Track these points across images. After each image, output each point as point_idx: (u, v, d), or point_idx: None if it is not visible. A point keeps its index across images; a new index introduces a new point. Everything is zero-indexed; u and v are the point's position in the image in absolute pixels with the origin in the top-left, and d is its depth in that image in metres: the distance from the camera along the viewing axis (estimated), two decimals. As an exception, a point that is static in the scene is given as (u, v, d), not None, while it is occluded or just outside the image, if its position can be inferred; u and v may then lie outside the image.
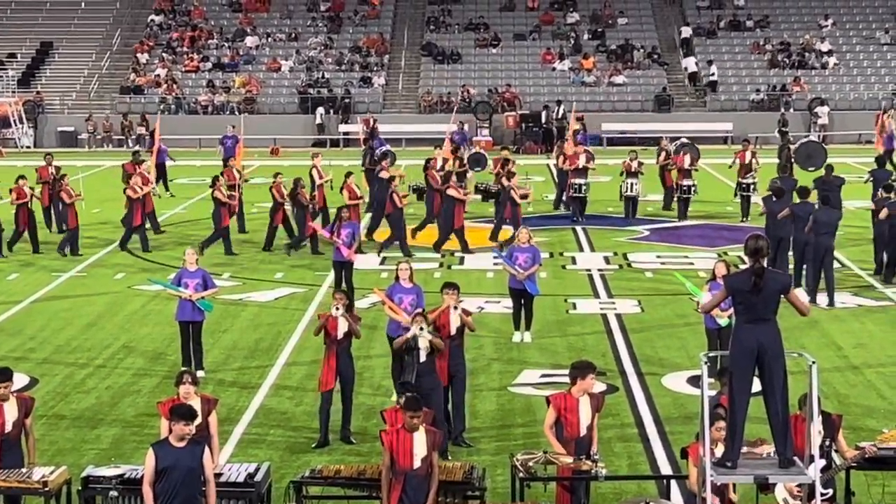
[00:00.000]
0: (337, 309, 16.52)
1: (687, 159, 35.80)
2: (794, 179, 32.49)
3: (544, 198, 36.30)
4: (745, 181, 35.06)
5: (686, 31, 64.44)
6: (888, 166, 37.82)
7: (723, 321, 18.44)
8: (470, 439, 16.59)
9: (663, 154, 37.00)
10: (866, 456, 13.20)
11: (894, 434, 13.87)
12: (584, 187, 34.90)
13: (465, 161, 37.57)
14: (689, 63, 62.76)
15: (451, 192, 30.00)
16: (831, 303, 24.29)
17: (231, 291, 26.44)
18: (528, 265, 21.39)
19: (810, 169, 38.14)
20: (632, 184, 35.12)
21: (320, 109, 60.17)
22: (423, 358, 15.95)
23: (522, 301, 21.85)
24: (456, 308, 16.66)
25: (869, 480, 13.87)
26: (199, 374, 19.17)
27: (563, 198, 36.47)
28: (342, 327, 16.60)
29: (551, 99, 59.72)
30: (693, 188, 35.51)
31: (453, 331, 16.62)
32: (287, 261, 29.37)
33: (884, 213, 26.04)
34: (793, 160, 40.31)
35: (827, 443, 12.83)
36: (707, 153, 44.90)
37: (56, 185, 32.06)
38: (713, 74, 61.51)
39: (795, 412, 11.97)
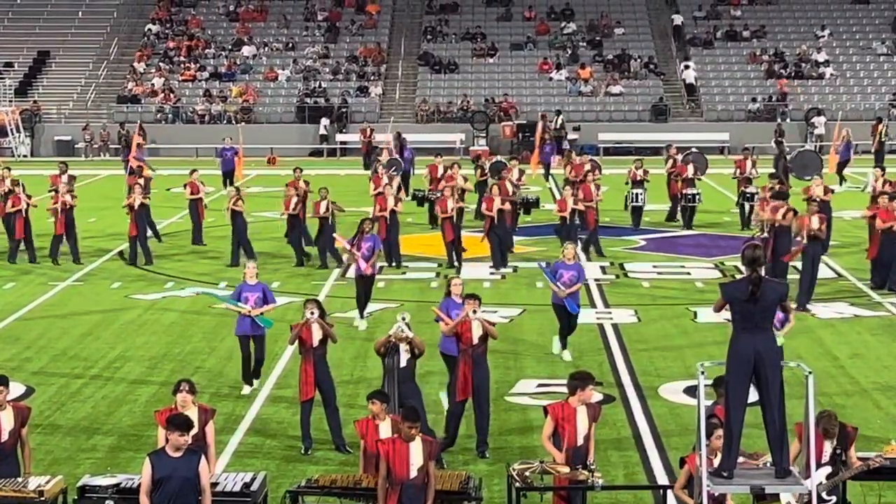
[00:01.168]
0: (312, 314, 16.56)
1: (691, 168, 35.79)
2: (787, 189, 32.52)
3: (543, 207, 36.20)
4: (747, 191, 34.93)
5: (678, 19, 64.48)
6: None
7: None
8: (465, 449, 16.56)
9: (671, 162, 36.92)
10: (871, 467, 13.16)
11: None
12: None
13: (487, 170, 37.26)
14: (688, 74, 62.87)
15: (436, 206, 30.09)
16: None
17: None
18: (572, 283, 20.86)
19: (806, 178, 38.15)
20: (637, 194, 34.98)
21: (324, 120, 60.14)
22: (403, 363, 15.98)
23: (568, 316, 21.26)
24: (475, 312, 16.56)
25: (865, 490, 13.86)
26: (246, 390, 19.38)
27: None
28: (317, 335, 16.63)
29: (548, 108, 59.75)
30: (698, 196, 35.47)
31: (475, 340, 16.54)
32: (284, 270, 29.31)
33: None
34: (789, 169, 40.37)
35: (838, 451, 12.82)
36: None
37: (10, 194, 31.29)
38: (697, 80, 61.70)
39: (799, 421, 11.94)
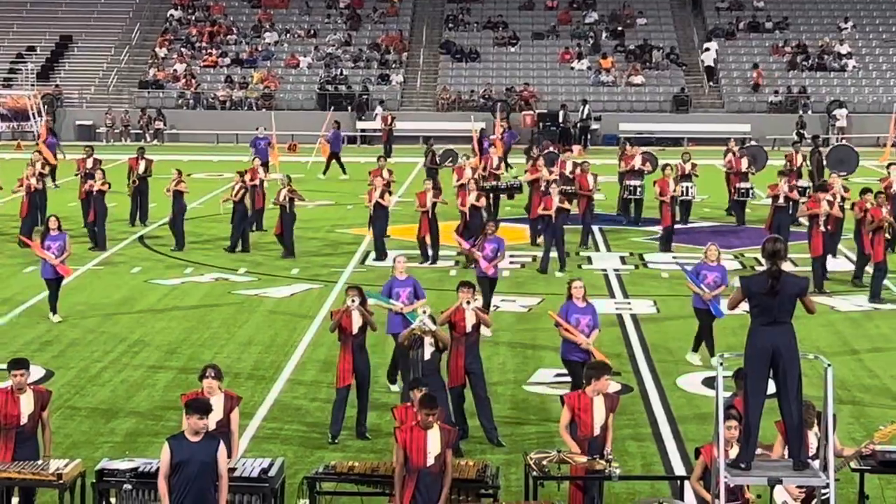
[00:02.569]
0: (353, 301, 16.54)
1: (745, 162, 35.27)
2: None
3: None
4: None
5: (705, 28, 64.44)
6: None
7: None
8: (483, 438, 16.57)
9: (729, 155, 36.29)
10: (863, 455, 13.16)
11: (893, 430, 13.58)
12: (639, 189, 34.32)
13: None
14: (707, 56, 62.69)
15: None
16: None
17: (247, 286, 26.53)
18: (715, 285, 20.02)
19: (842, 174, 37.49)
20: (687, 187, 34.04)
21: (379, 108, 60.14)
22: (427, 356, 15.97)
23: (709, 320, 20.33)
24: (469, 303, 16.62)
25: (883, 484, 13.85)
26: (395, 387, 18.76)
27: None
28: (357, 322, 16.63)
29: (569, 99, 59.71)
30: (750, 191, 34.77)
31: (469, 328, 16.60)
32: (303, 257, 29.33)
33: None
34: (824, 165, 39.87)
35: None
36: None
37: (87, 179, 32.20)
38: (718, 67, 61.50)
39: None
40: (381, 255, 28.83)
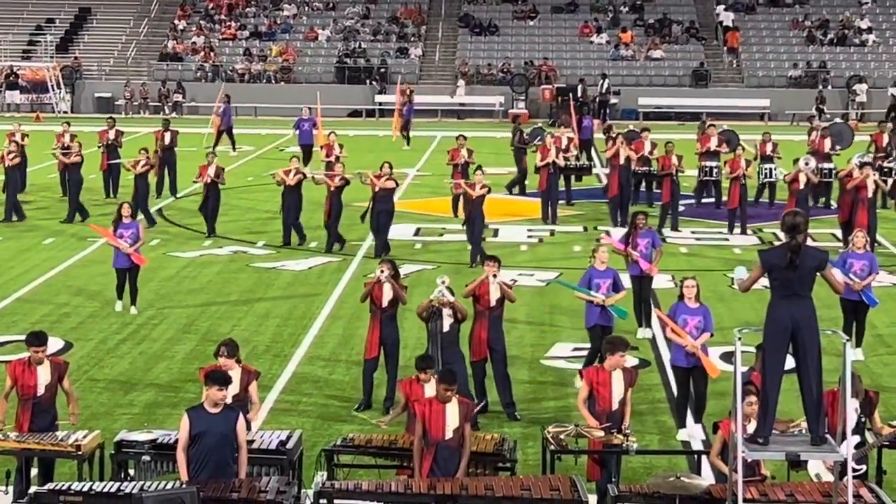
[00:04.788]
0: (382, 272, 16.58)
1: (827, 143, 34.02)
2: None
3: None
4: (886, 165, 33.10)
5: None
6: None
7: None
8: (502, 413, 16.59)
9: (814, 133, 35.00)
10: (900, 437, 13.15)
11: None
12: (715, 170, 32.68)
13: (526, 135, 35.85)
14: (725, 16, 62.68)
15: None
16: None
17: (265, 259, 26.57)
18: (864, 274, 19.10)
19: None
20: (770, 169, 32.87)
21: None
22: (446, 328, 15.98)
23: (856, 312, 19.38)
24: (495, 276, 16.61)
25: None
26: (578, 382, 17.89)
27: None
28: (387, 295, 16.65)
29: (588, 73, 59.57)
30: (832, 171, 32.64)
31: (493, 302, 16.58)
32: (321, 230, 29.00)
33: None
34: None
35: (862, 420, 12.81)
36: (744, 129, 44.29)
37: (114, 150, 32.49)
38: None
39: (832, 388, 11.89)
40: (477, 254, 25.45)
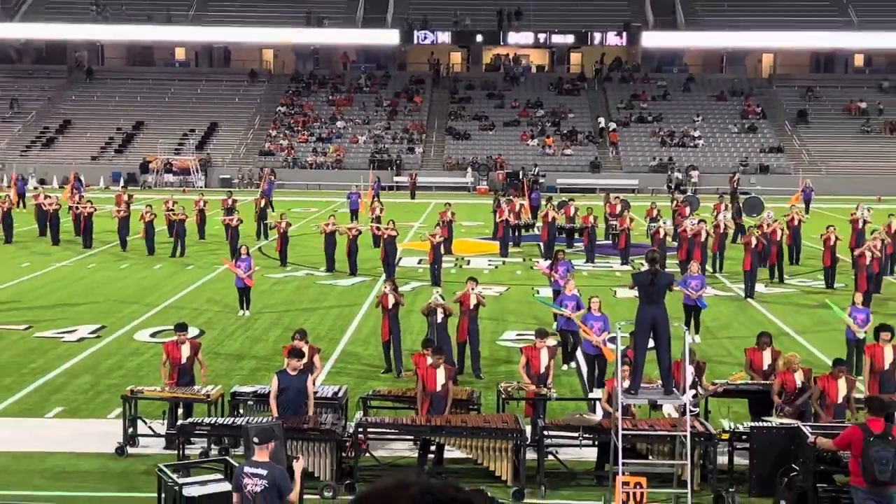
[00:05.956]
0: (386, 286, 16.58)
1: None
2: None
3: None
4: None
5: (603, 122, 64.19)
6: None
7: (860, 335, 15.52)
8: (472, 374, 16.55)
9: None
10: (720, 390, 13.17)
11: (741, 375, 13.74)
12: (616, 225, 30.50)
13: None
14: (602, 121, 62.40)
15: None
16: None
17: (324, 279, 26.46)
18: (698, 288, 18.71)
19: (754, 216, 34.03)
20: (657, 225, 28.87)
21: (469, 170, 58.54)
22: (440, 320, 15.99)
23: (693, 312, 18.95)
24: (473, 289, 16.62)
25: (720, 404, 13.83)
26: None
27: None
28: (391, 301, 16.62)
29: (525, 163, 59.59)
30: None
31: (472, 305, 16.57)
32: (360, 263, 27.99)
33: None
34: (741, 210, 35.65)
35: (696, 379, 12.83)
36: (629, 199, 43.72)
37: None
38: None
39: (677, 360, 11.89)
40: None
